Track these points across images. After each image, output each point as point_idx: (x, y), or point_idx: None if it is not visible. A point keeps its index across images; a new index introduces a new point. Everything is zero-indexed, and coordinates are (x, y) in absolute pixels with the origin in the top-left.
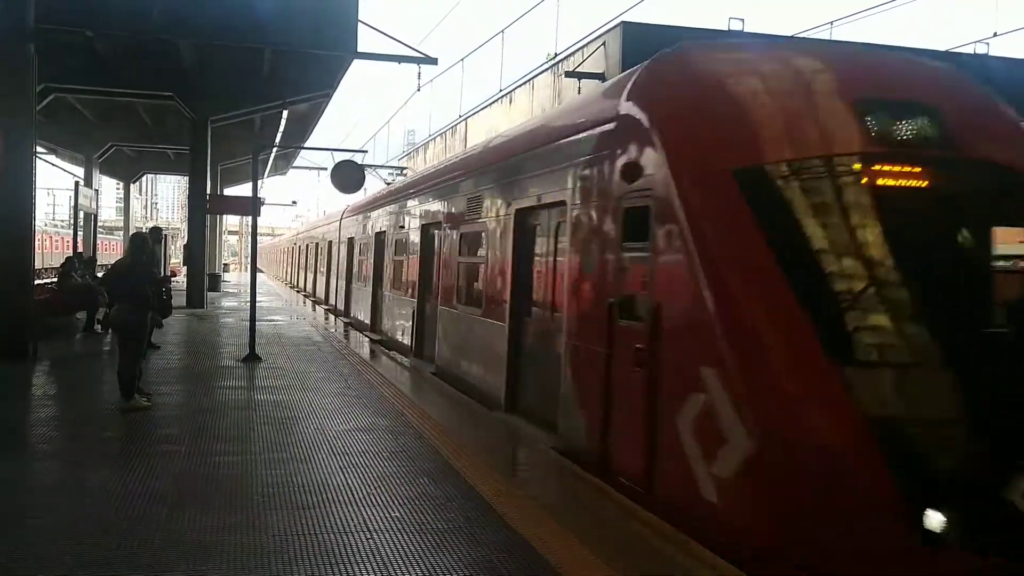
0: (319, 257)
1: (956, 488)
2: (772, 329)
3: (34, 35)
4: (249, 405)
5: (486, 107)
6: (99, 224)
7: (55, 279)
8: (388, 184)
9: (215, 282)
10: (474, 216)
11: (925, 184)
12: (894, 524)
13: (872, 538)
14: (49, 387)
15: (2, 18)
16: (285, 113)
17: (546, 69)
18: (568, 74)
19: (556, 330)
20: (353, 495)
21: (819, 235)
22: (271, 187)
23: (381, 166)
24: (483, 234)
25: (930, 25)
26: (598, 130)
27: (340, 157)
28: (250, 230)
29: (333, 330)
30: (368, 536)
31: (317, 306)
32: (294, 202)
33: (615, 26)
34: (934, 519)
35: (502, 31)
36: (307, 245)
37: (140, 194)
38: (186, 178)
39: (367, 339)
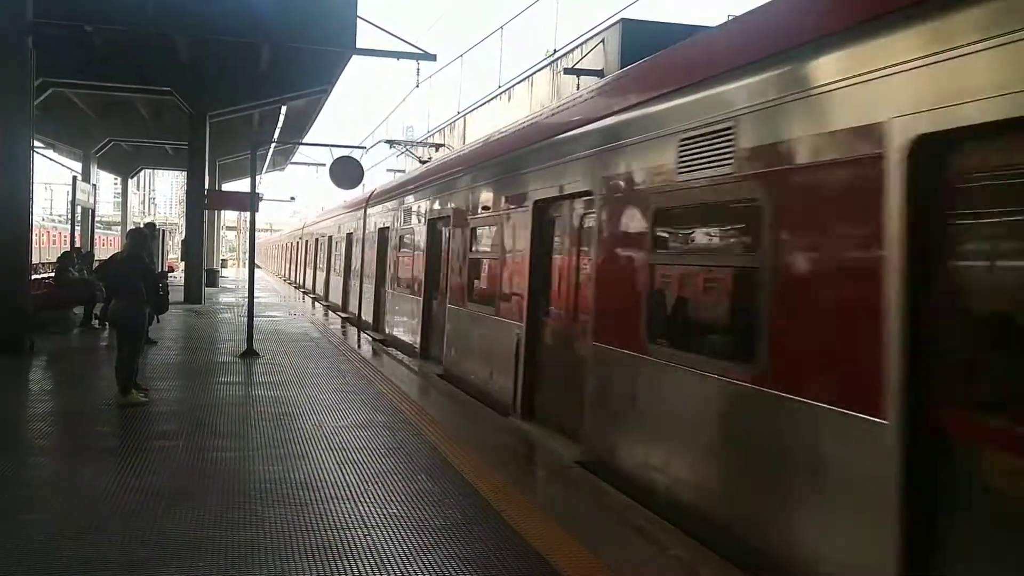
0: (351, 252)
1: None
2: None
3: (32, 29)
4: (246, 401)
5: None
6: (97, 219)
7: (53, 274)
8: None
9: (213, 278)
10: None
11: None
12: None
13: None
14: (46, 382)
15: (0, 13)
16: (284, 109)
17: (545, 66)
18: (567, 71)
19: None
20: (351, 491)
21: None
22: (269, 183)
23: (416, 143)
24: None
25: None
26: None
27: (339, 153)
28: (248, 226)
29: (337, 329)
30: (365, 532)
31: (330, 312)
32: (292, 198)
33: (615, 23)
34: None
35: (501, 27)
36: (319, 239)
37: (138, 189)
38: (184, 173)
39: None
